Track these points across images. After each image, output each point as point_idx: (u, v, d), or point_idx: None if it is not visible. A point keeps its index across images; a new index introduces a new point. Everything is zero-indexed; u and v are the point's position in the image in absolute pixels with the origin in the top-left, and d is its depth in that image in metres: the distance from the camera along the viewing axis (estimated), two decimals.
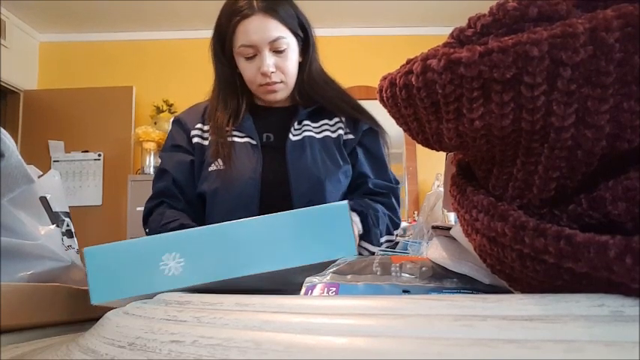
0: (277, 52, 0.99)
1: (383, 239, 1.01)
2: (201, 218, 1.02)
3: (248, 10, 0.96)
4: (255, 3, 0.97)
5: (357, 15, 3.66)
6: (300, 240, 0.48)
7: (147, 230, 1.04)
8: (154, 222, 0.99)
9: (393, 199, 1.09)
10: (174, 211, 1.00)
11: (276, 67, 1.00)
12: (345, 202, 0.50)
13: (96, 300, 0.48)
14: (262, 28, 0.97)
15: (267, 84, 1.01)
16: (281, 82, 1.02)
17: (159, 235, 0.51)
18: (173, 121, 1.12)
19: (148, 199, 1.06)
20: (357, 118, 1.09)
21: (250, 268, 0.48)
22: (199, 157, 1.04)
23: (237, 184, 0.99)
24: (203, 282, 0.48)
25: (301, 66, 1.06)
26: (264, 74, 1.00)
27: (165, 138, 1.13)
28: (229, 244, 0.49)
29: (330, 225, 0.49)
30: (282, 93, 1.05)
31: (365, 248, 0.96)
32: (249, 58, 1.00)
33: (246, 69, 1.02)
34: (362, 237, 0.96)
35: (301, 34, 1.04)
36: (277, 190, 1.00)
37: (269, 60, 0.98)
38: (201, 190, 1.02)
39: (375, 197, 1.06)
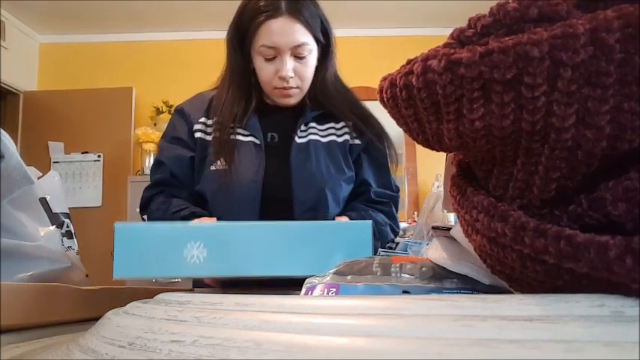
0: (298, 57, 0.98)
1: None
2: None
3: (274, 11, 0.94)
4: (282, 3, 0.94)
5: (357, 16, 3.66)
6: (322, 250, 0.50)
7: (144, 218, 1.03)
8: (158, 211, 0.98)
9: (393, 208, 1.08)
10: (181, 200, 0.99)
11: (295, 72, 0.99)
12: (370, 221, 0.52)
13: (118, 275, 0.51)
14: (287, 32, 0.95)
15: (284, 88, 1.00)
16: (297, 87, 1.01)
17: (187, 223, 0.52)
18: (175, 110, 1.09)
19: (146, 188, 1.05)
20: (362, 131, 1.07)
21: (270, 270, 0.49)
22: (201, 152, 1.02)
23: (238, 186, 0.97)
24: (222, 275, 0.49)
25: (316, 71, 1.04)
26: (283, 78, 0.98)
27: (167, 125, 1.10)
28: (253, 243, 0.50)
29: (354, 241, 0.51)
30: (296, 98, 1.03)
31: None
32: (268, 59, 0.98)
33: (264, 69, 1.00)
34: None
35: (323, 40, 1.02)
36: (279, 194, 0.98)
37: (289, 65, 0.97)
38: (201, 189, 1.01)
39: (376, 206, 1.05)
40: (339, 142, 1.06)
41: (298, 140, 1.03)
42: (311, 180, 0.99)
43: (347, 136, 1.07)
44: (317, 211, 0.98)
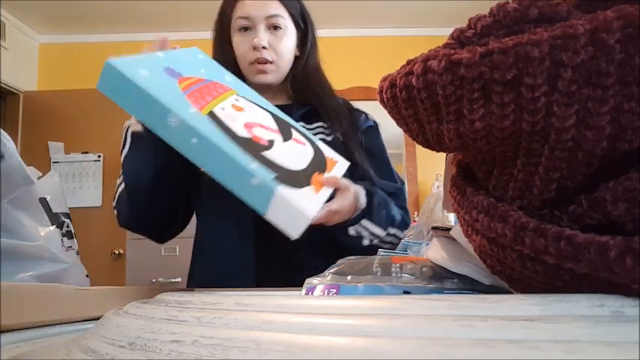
0: (273, 29, 0.99)
1: (392, 230, 0.94)
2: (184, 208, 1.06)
3: None
4: None
5: (357, 16, 3.66)
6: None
7: (116, 210, 1.10)
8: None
9: (402, 200, 1.05)
10: None
11: (270, 44, 0.99)
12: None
13: (100, 86, 0.73)
14: (261, 4, 0.98)
15: (258, 61, 0.99)
16: (272, 62, 1.00)
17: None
18: None
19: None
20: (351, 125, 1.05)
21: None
22: None
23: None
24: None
25: (297, 60, 1.05)
26: (256, 47, 0.98)
27: None
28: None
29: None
30: (272, 76, 1.02)
31: (365, 227, 0.89)
32: (244, 31, 1.00)
33: (240, 44, 1.00)
34: (365, 215, 0.89)
35: (302, 25, 1.03)
36: None
37: (263, 34, 0.98)
38: (193, 193, 1.02)
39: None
40: (328, 142, 1.02)
41: None
42: None
43: (337, 134, 1.04)
44: None
